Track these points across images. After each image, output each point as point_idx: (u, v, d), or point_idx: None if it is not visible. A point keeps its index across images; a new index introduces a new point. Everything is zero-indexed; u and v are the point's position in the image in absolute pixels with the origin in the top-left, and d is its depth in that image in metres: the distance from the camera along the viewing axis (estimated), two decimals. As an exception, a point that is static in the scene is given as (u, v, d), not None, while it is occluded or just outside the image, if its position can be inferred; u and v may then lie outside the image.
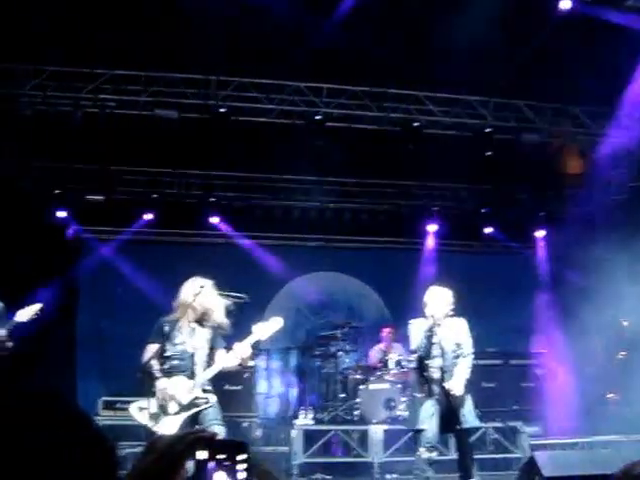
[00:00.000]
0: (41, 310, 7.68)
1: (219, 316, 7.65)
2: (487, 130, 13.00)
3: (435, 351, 8.36)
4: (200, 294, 7.55)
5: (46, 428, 1.44)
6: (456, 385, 8.19)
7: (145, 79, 12.04)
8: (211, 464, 1.66)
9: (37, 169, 14.00)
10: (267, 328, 7.71)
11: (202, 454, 1.67)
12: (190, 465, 1.69)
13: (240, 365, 7.60)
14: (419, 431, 8.32)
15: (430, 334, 8.33)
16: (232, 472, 1.65)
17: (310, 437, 11.54)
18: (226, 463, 1.66)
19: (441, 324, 8.39)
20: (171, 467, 1.67)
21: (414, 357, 8.76)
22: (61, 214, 14.34)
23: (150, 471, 1.68)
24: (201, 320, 7.61)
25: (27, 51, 11.00)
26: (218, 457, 1.66)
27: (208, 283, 7.65)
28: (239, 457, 1.67)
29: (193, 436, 1.71)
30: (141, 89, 12.08)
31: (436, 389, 8.31)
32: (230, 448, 1.69)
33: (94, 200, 14.38)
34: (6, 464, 1.36)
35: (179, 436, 1.75)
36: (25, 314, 7.55)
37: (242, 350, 7.41)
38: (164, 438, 1.78)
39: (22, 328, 7.74)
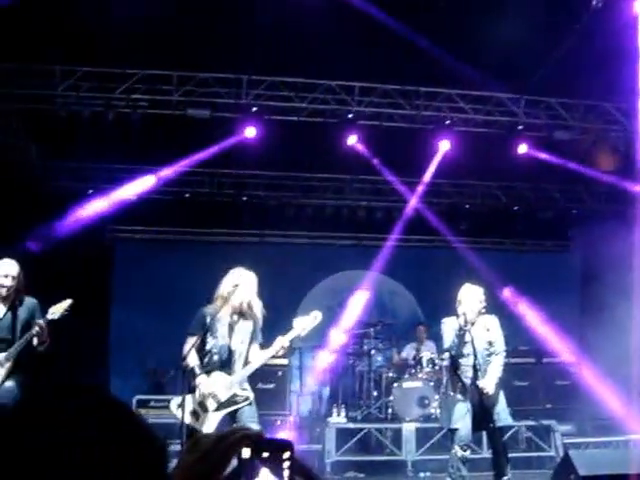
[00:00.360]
0: (71, 306, 7.70)
1: (259, 309, 7.66)
2: (519, 127, 12.95)
3: (467, 350, 8.34)
4: (240, 285, 7.55)
5: (94, 426, 1.44)
6: (488, 383, 8.17)
7: (177, 79, 12.11)
8: (256, 462, 1.67)
9: (71, 168, 14.12)
10: (307, 323, 7.67)
11: (247, 452, 1.68)
12: (233, 463, 1.70)
13: (273, 357, 7.60)
14: (453, 430, 8.31)
15: (462, 333, 8.31)
16: (277, 470, 1.66)
17: (343, 435, 11.55)
18: (271, 461, 1.67)
19: (474, 322, 8.37)
20: (217, 465, 1.68)
21: (446, 355, 8.76)
22: (94, 214, 14.43)
23: (195, 469, 1.69)
24: (242, 312, 7.59)
25: (60, 52, 11.09)
26: (263, 455, 1.67)
27: (248, 275, 7.65)
28: (284, 455, 1.68)
29: (239, 434, 1.72)
30: (173, 89, 12.15)
31: (469, 387, 8.30)
32: (275, 446, 1.70)
33: (128, 199, 14.46)
34: (54, 463, 1.36)
35: (224, 434, 1.75)
36: (57, 311, 7.58)
37: (282, 343, 7.42)
38: (209, 436, 1.79)
39: (55, 325, 7.79)
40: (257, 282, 7.66)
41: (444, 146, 13.23)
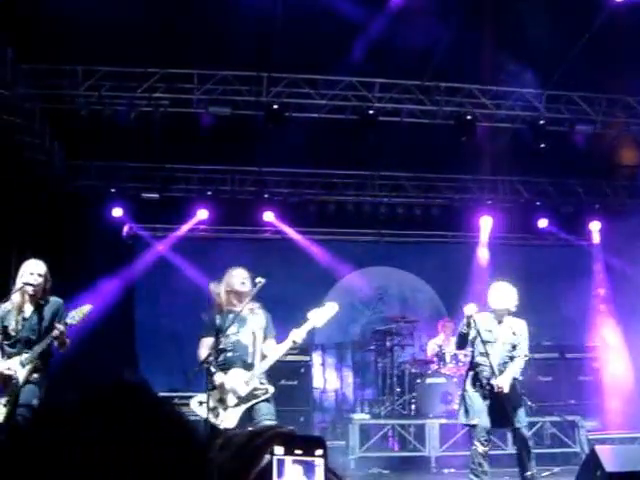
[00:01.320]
0: (90, 311, 7.75)
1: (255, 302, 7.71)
2: (541, 122, 12.90)
3: (489, 348, 8.31)
4: (226, 283, 7.63)
5: (136, 425, 1.44)
6: (504, 381, 8.13)
7: (198, 77, 12.15)
8: (288, 459, 1.68)
9: (93, 168, 14.20)
10: (323, 314, 7.67)
11: (280, 450, 1.69)
12: (265, 460, 1.71)
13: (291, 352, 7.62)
14: (472, 426, 8.30)
15: (489, 331, 8.30)
16: (310, 468, 1.67)
17: (367, 431, 11.57)
18: (304, 459, 1.68)
19: (501, 321, 8.34)
20: (249, 463, 1.69)
21: (469, 351, 8.75)
22: (117, 212, 14.52)
23: (227, 467, 1.70)
24: (244, 306, 7.62)
25: (82, 52, 11.15)
26: (296, 453, 1.68)
27: (231, 271, 7.72)
28: (317, 452, 1.68)
29: (272, 431, 1.72)
30: (194, 87, 12.19)
31: (486, 385, 8.28)
32: (308, 444, 1.70)
33: (149, 198, 14.52)
34: (92, 463, 1.36)
35: (257, 431, 1.76)
36: (76, 316, 7.62)
37: (297, 335, 7.44)
38: (241, 434, 1.80)
39: (74, 330, 7.84)
40: (244, 274, 7.70)
41: (466, 141, 13.18)
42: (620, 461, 6.77)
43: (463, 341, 8.52)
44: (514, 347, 8.35)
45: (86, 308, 7.66)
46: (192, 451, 1.47)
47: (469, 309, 8.28)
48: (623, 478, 6.46)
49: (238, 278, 7.66)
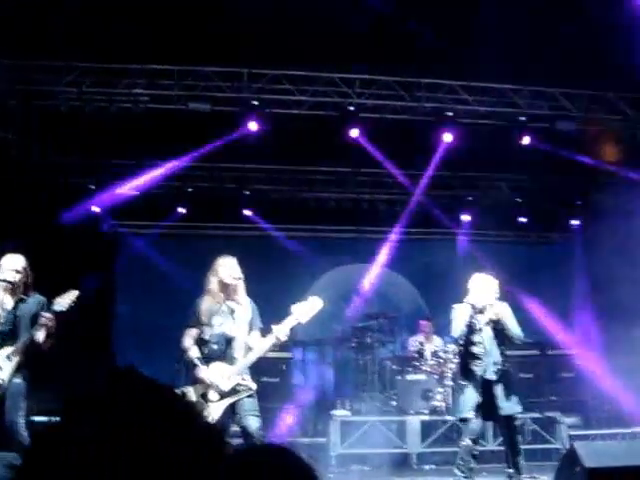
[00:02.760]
0: (78, 297, 7.67)
1: (243, 292, 7.66)
2: (522, 118, 12.90)
3: (477, 338, 8.32)
4: (216, 272, 7.58)
5: (153, 420, 1.43)
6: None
7: (178, 73, 12.07)
8: None
9: (72, 164, 14.11)
10: (307, 309, 7.61)
11: None
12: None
13: (274, 345, 7.56)
14: (464, 420, 8.28)
15: (473, 321, 8.28)
16: None
17: (347, 428, 11.54)
18: None
19: (484, 311, 8.34)
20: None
21: (451, 348, 8.74)
22: (96, 209, 14.43)
23: None
24: (232, 297, 7.58)
25: (61, 48, 11.07)
26: None
27: (222, 260, 7.66)
28: None
29: None
30: (174, 83, 12.12)
31: (478, 376, 8.27)
32: None
33: (129, 194, 14.44)
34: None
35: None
36: (63, 302, 7.54)
37: (280, 331, 7.39)
38: None
39: (61, 318, 7.76)
40: (234, 264, 7.65)
41: (446, 138, 13.17)
42: (599, 457, 6.76)
43: (469, 331, 8.43)
44: (501, 331, 8.34)
45: (73, 294, 7.58)
46: (196, 431, 1.46)
47: (471, 300, 8.31)
48: (602, 474, 6.45)
49: (226, 269, 7.60)
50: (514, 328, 8.41)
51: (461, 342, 8.46)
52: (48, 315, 7.39)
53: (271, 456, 1.61)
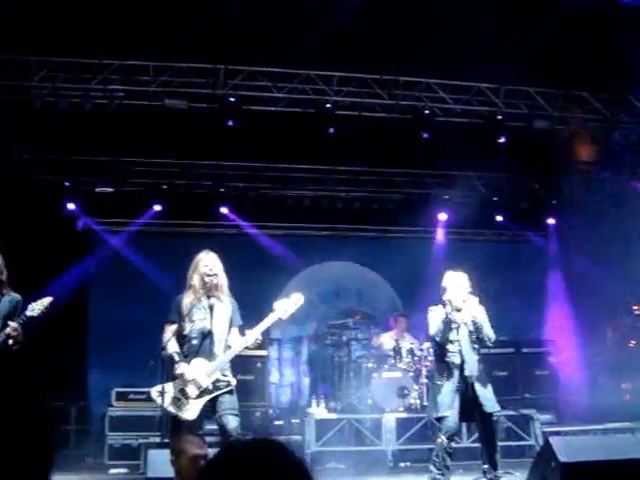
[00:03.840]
0: (52, 304, 7.60)
1: (225, 288, 7.63)
2: (498, 117, 12.94)
3: (454, 336, 8.33)
4: (197, 267, 7.54)
5: None
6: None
7: (154, 69, 12.00)
8: None
9: (47, 161, 13.98)
10: (288, 305, 7.62)
11: None
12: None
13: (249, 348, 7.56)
14: (440, 419, 8.29)
15: (448, 319, 8.30)
16: None
17: (323, 426, 11.52)
18: None
19: (460, 309, 8.35)
20: None
21: (426, 345, 8.74)
22: (71, 206, 14.33)
23: None
24: (216, 296, 7.55)
25: (35, 42, 10.97)
26: None
27: (203, 255, 7.62)
28: None
29: None
30: (150, 79, 12.04)
31: (456, 374, 8.28)
32: None
33: (104, 192, 14.35)
34: None
35: None
36: (36, 308, 7.47)
37: (251, 338, 7.39)
38: None
39: (33, 322, 7.68)
40: (214, 259, 7.62)
41: (423, 136, 13.17)
42: (574, 452, 6.79)
43: (447, 329, 8.43)
44: (476, 329, 8.36)
45: (47, 300, 7.52)
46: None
47: (448, 296, 8.34)
48: (577, 468, 6.48)
49: (206, 264, 7.57)
50: (488, 329, 8.45)
51: (438, 339, 8.47)
52: (13, 325, 7.31)
53: (266, 450, 1.64)
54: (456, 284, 8.42)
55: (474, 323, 8.37)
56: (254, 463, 1.59)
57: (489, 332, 8.45)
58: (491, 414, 8.34)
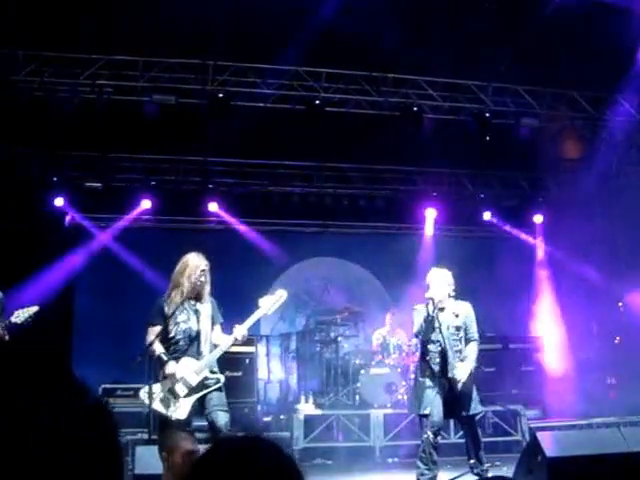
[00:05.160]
0: (37, 313, 7.57)
1: (208, 290, 7.63)
2: (486, 114, 12.98)
3: (435, 336, 8.31)
4: (186, 270, 7.52)
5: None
6: (461, 372, 8.14)
7: (142, 64, 11.98)
8: None
9: (34, 156, 13.94)
10: (273, 301, 7.66)
11: None
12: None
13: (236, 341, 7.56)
14: (425, 415, 8.30)
15: (430, 318, 8.28)
16: None
17: (311, 422, 11.55)
18: None
19: (444, 307, 8.34)
20: None
21: (415, 342, 8.74)
22: (59, 201, 14.27)
23: None
24: (197, 296, 7.55)
25: (23, 37, 10.93)
26: None
27: (196, 259, 7.60)
28: None
29: None
30: (138, 74, 12.02)
31: (437, 373, 8.29)
32: None
33: (92, 187, 14.32)
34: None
35: None
36: (22, 316, 7.45)
37: (239, 333, 7.40)
38: None
39: (16, 328, 7.65)
40: (206, 263, 7.61)
41: (412, 133, 13.22)
42: (560, 446, 6.83)
43: (429, 328, 8.43)
44: (458, 329, 8.35)
45: (32, 309, 7.51)
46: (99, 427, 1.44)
47: (430, 294, 8.31)
48: (563, 463, 6.52)
49: (193, 267, 7.54)
50: (473, 330, 8.43)
51: (420, 338, 8.48)
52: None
53: (256, 447, 1.65)
54: (439, 281, 8.39)
55: (459, 321, 8.36)
56: (244, 460, 1.60)
57: (474, 334, 8.42)
58: (473, 416, 8.37)
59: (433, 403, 8.18)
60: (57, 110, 11.93)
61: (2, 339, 7.39)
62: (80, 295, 15.02)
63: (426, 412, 8.20)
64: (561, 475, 6.44)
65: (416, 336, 8.70)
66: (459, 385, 8.18)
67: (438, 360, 8.29)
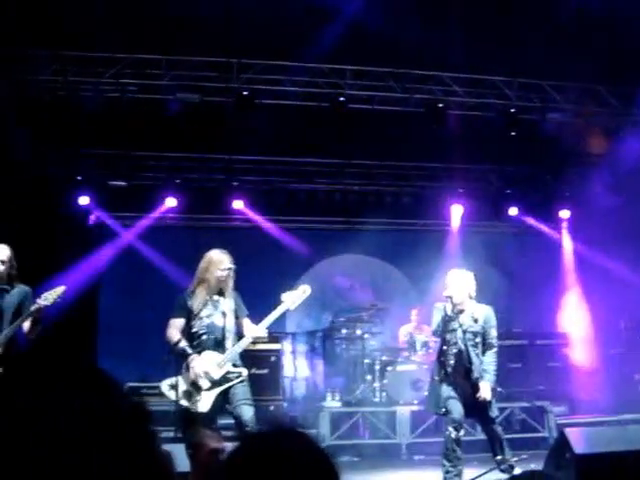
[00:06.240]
0: (64, 293, 7.62)
1: (231, 285, 7.66)
2: (511, 110, 12.91)
3: (452, 337, 8.28)
4: (211, 267, 7.55)
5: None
6: (486, 392, 8.12)
7: (166, 63, 12.00)
8: None
9: (59, 155, 14.01)
10: (296, 296, 7.68)
11: None
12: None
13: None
14: (445, 412, 8.29)
15: (448, 318, 8.23)
16: None
17: (337, 419, 11.54)
18: None
19: (463, 309, 8.29)
20: None
21: (437, 339, 8.72)
22: (84, 200, 14.32)
23: None
24: (220, 292, 7.59)
25: (47, 36, 10.98)
26: None
27: (218, 255, 7.63)
28: None
29: None
30: (162, 73, 12.04)
31: (451, 374, 8.26)
32: None
33: (116, 186, 14.38)
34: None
35: None
36: (49, 297, 7.50)
37: (262, 328, 7.46)
38: None
39: (46, 312, 7.70)
40: (231, 260, 7.64)
41: (437, 129, 13.19)
42: (589, 443, 6.77)
43: (446, 328, 8.42)
44: (476, 335, 8.28)
45: (60, 289, 7.54)
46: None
47: (448, 292, 8.28)
48: (592, 460, 6.46)
49: (218, 263, 7.58)
50: (492, 336, 8.36)
51: (437, 337, 8.48)
52: (36, 306, 7.34)
53: (289, 443, 1.62)
54: (459, 283, 8.33)
55: (477, 325, 8.30)
56: (276, 456, 1.57)
57: (493, 339, 8.34)
58: (492, 419, 8.36)
59: (448, 401, 8.18)
60: (81, 109, 11.97)
61: (38, 323, 7.44)
62: (105, 294, 15.09)
63: (442, 412, 8.22)
64: (590, 472, 6.38)
65: (434, 334, 8.68)
66: (473, 388, 8.18)
67: (452, 362, 8.26)
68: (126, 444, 1.33)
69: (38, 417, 1.29)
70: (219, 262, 7.57)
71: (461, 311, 8.28)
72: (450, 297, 8.21)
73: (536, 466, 8.19)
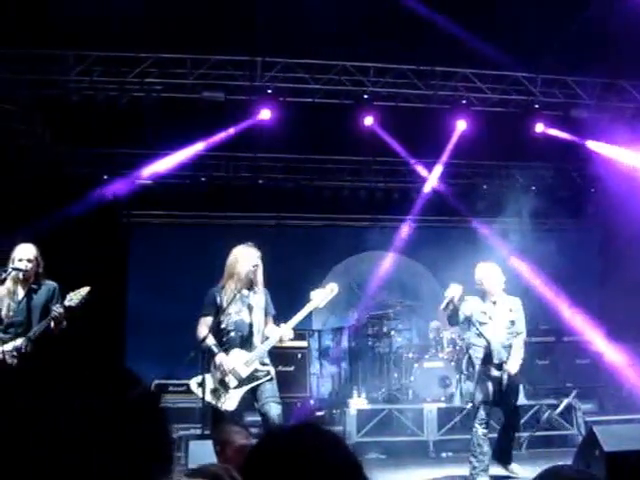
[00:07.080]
0: (90, 293, 7.67)
1: (261, 280, 7.67)
2: (535, 106, 12.86)
3: (485, 330, 8.32)
4: (239, 261, 7.56)
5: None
6: (513, 365, 8.17)
7: (191, 62, 12.05)
8: None
9: (85, 154, 14.10)
10: (324, 295, 7.69)
11: None
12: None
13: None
14: (472, 407, 8.32)
15: (483, 311, 8.30)
16: None
17: (364, 417, 11.53)
18: None
19: (496, 301, 8.35)
20: None
21: (467, 335, 8.74)
22: (110, 199, 14.40)
23: None
24: (251, 287, 7.60)
25: (73, 37, 11.06)
26: None
27: (249, 250, 7.64)
28: None
29: None
30: (187, 72, 12.10)
31: (480, 367, 8.30)
32: None
33: (143, 184, 14.45)
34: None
35: None
36: (75, 298, 7.55)
37: (290, 326, 7.48)
38: None
39: (72, 311, 7.75)
40: (259, 254, 7.65)
41: (461, 126, 13.17)
42: (618, 440, 6.74)
43: (450, 320, 8.54)
44: (513, 323, 8.35)
45: (84, 290, 7.59)
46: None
47: (451, 291, 8.32)
48: (621, 457, 6.43)
49: (245, 258, 7.59)
50: (522, 325, 8.44)
51: (466, 330, 8.53)
52: (59, 311, 7.39)
53: (314, 439, 1.63)
54: (492, 276, 8.41)
55: (510, 317, 8.36)
56: (300, 452, 1.58)
57: (523, 330, 8.45)
58: (517, 407, 8.41)
59: (476, 396, 8.22)
60: (106, 108, 12.05)
61: (60, 323, 7.49)
62: (133, 291, 15.18)
63: (469, 406, 8.28)
64: (619, 470, 6.35)
65: (452, 324, 8.75)
66: (507, 377, 8.20)
67: (481, 355, 8.30)
68: (126, 444, 1.35)
69: (38, 417, 1.31)
70: (248, 256, 7.58)
71: (494, 302, 8.34)
72: (484, 291, 8.29)
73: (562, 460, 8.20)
